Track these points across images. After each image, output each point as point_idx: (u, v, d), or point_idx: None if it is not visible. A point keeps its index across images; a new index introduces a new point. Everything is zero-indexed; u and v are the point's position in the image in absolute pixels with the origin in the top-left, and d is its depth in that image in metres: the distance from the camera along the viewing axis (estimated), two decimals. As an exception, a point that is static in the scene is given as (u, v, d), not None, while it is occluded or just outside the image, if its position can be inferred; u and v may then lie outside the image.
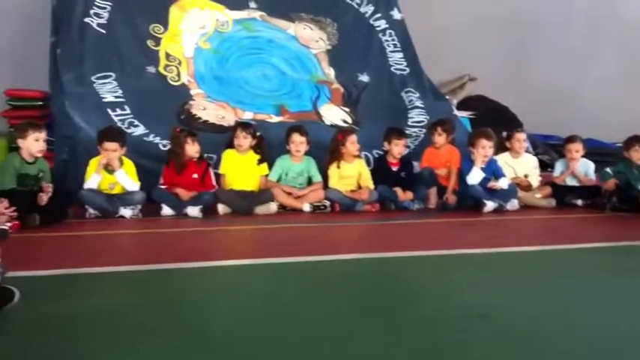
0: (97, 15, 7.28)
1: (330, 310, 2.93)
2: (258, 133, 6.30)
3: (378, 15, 8.81)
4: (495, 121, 8.55)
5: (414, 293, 3.28)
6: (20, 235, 4.54)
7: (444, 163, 6.66)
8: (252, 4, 8.21)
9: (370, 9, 8.79)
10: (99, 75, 6.95)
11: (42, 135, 5.24)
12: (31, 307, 2.84)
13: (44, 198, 5.06)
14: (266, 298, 3.15)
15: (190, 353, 2.35)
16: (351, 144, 6.36)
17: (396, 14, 8.93)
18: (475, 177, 6.38)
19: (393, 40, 8.74)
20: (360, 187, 6.39)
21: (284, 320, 2.76)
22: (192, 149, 5.91)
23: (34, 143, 5.19)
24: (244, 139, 6.16)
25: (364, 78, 8.36)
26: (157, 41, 7.49)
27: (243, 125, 6.34)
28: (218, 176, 6.16)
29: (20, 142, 5.23)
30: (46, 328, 2.65)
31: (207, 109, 7.25)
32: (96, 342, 2.46)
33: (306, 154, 6.41)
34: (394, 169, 6.55)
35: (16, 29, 7.96)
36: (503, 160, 6.83)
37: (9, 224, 4.67)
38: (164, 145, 6.44)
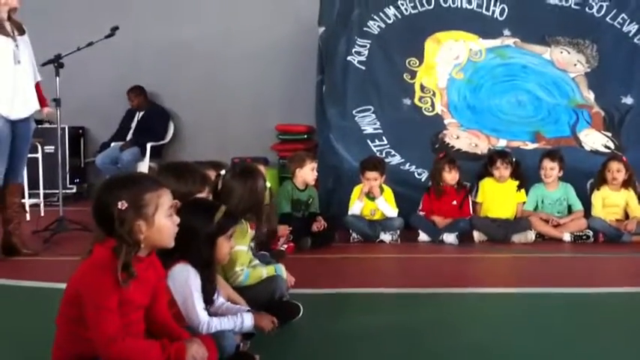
0: (358, 53, 7.76)
1: (620, 346, 2.81)
2: (514, 159, 6.23)
3: (644, 33, 8.20)
4: None
5: None
6: (295, 256, 5.00)
7: None
8: (506, 32, 8.13)
9: (634, 27, 8.20)
10: (359, 109, 7.39)
11: (315, 165, 5.76)
12: (312, 322, 3.13)
13: (318, 226, 5.53)
14: (542, 328, 3.12)
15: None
16: (617, 172, 5.99)
17: (664, 31, 8.25)
18: None
19: (661, 59, 8.07)
20: (627, 217, 5.98)
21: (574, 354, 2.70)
22: (448, 176, 6.01)
23: (310, 172, 5.72)
24: (505, 170, 6.13)
25: (628, 100, 7.80)
26: (413, 74, 7.76)
27: (502, 155, 6.29)
28: (473, 203, 6.18)
29: (297, 171, 5.75)
30: (333, 343, 2.90)
31: (461, 138, 7.32)
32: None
33: (561, 179, 6.18)
34: (669, 198, 6.02)
35: (285, 72, 8.81)
36: None
37: (285, 246, 5.23)
38: (419, 174, 6.65)
